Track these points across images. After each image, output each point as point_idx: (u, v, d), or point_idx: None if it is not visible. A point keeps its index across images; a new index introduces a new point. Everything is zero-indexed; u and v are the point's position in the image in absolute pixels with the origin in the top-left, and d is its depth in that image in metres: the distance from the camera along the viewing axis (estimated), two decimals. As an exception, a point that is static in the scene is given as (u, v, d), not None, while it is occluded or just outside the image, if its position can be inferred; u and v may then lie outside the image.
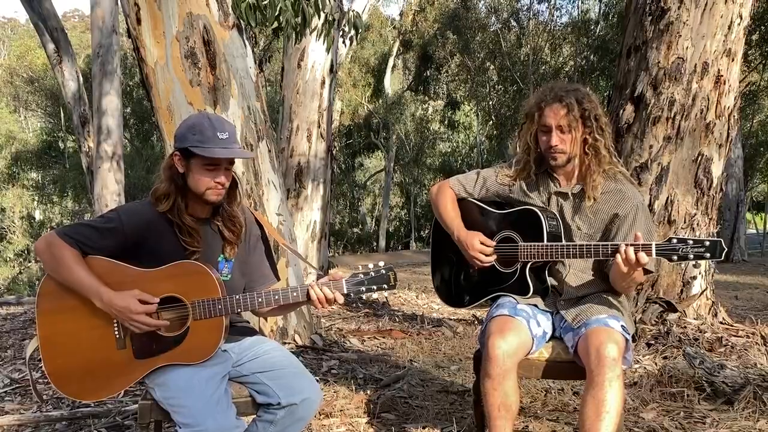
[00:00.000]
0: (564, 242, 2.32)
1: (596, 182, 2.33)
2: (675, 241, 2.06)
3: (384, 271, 2.08)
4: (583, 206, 2.37)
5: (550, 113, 2.30)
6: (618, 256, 2.11)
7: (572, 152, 2.33)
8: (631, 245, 2.10)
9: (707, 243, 2.02)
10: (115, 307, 1.98)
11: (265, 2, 3.95)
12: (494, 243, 2.43)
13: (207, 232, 2.15)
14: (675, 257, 2.06)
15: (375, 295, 2.09)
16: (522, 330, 2.26)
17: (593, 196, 2.33)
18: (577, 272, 2.39)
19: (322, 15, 4.29)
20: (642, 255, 2.08)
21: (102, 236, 2.03)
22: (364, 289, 2.07)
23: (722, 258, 2.05)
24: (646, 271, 2.21)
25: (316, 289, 2.07)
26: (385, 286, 2.08)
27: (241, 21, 4.03)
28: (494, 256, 2.43)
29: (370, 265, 2.09)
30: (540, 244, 2.31)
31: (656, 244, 2.08)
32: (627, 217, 2.31)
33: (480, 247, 2.42)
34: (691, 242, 2.04)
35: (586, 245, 2.23)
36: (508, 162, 2.56)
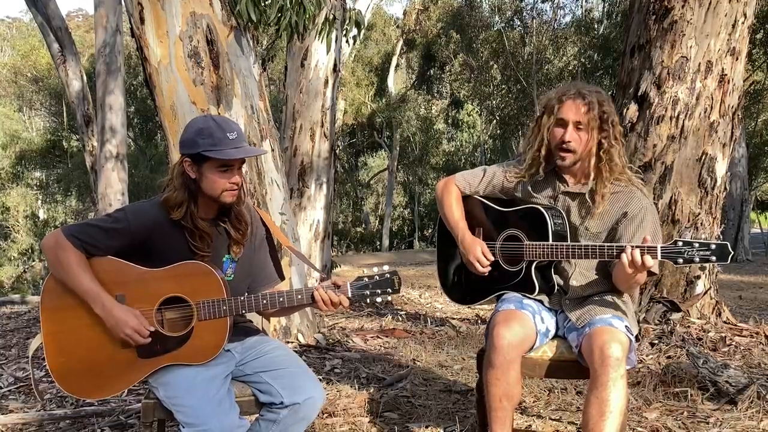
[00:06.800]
0: (569, 242, 2.31)
1: (606, 189, 2.31)
2: (680, 243, 2.02)
3: (388, 276, 2.09)
4: (590, 207, 2.35)
5: (572, 107, 2.27)
6: (624, 257, 2.09)
7: (582, 154, 2.30)
8: (637, 248, 2.08)
9: (713, 246, 1.99)
10: (113, 317, 1.99)
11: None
12: (492, 258, 2.43)
13: (213, 232, 2.15)
14: (680, 260, 2.03)
15: (379, 299, 2.10)
16: (527, 322, 2.27)
17: (602, 200, 2.30)
18: (582, 271, 2.39)
19: (323, 14, 4.29)
20: (647, 258, 2.06)
21: (109, 236, 2.04)
22: (368, 293, 2.09)
23: (728, 261, 2.02)
24: (650, 273, 2.20)
25: (321, 293, 2.07)
26: (389, 291, 2.10)
27: (241, 18, 4.01)
28: (488, 269, 2.44)
29: (375, 269, 2.11)
30: (545, 243, 2.30)
31: (661, 247, 2.06)
32: (635, 218, 2.29)
33: (479, 256, 2.42)
34: (696, 245, 2.00)
35: (591, 246, 2.21)
36: (515, 159, 2.54)
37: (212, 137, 2.02)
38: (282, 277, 2.36)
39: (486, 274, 2.45)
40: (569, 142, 2.28)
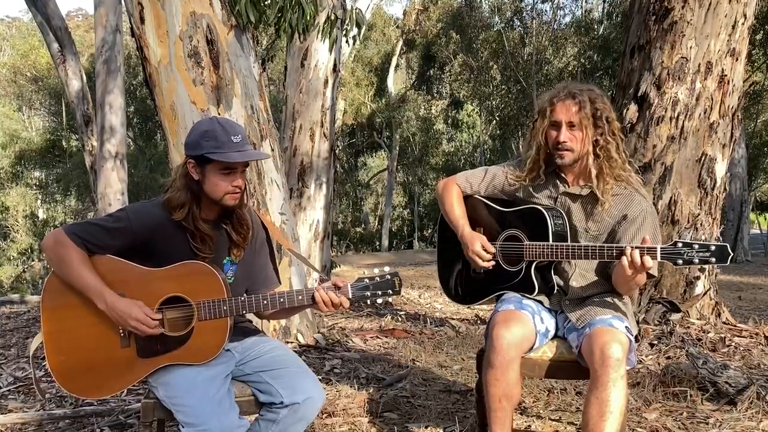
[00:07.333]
0: (569, 243, 2.32)
1: (608, 186, 2.31)
2: (680, 244, 2.03)
3: (389, 277, 2.10)
4: (591, 208, 2.36)
5: (562, 108, 2.30)
6: (624, 258, 2.10)
7: (580, 152, 2.32)
8: (637, 248, 2.09)
9: (713, 247, 2.00)
10: (117, 311, 1.99)
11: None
12: (494, 250, 2.43)
13: (215, 234, 2.15)
14: (680, 261, 2.04)
15: (379, 301, 2.10)
16: (526, 323, 2.27)
17: (604, 200, 2.31)
18: (582, 272, 2.39)
19: (323, 14, 4.29)
20: (647, 258, 2.06)
21: (110, 235, 2.04)
22: (369, 294, 2.09)
23: (728, 263, 2.03)
24: (649, 275, 2.20)
25: (321, 293, 2.07)
26: (390, 292, 2.10)
27: (241, 18, 4.01)
28: (491, 263, 2.44)
29: (376, 270, 2.11)
30: (545, 243, 2.30)
31: (661, 248, 2.07)
32: (635, 221, 2.30)
33: (478, 250, 2.43)
34: (696, 246, 2.01)
35: (591, 247, 2.22)
36: (516, 160, 2.55)
37: (216, 140, 2.03)
38: (279, 282, 2.37)
39: (489, 267, 2.44)
40: (564, 141, 2.30)
